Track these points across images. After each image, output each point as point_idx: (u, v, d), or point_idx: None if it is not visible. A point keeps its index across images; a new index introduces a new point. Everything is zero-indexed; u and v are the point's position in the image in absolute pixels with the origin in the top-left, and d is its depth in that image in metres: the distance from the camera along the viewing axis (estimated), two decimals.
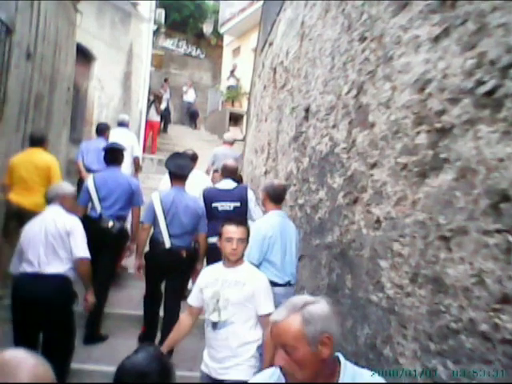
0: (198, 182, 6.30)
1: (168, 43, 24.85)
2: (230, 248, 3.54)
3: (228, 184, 5.71)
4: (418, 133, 2.87)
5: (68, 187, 4.63)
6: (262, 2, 12.81)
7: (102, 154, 6.02)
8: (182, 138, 17.52)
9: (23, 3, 6.54)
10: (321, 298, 2.04)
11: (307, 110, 5.43)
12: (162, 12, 20.43)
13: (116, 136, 7.86)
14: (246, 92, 16.29)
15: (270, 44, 8.37)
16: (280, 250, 4.50)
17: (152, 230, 5.14)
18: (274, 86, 7.57)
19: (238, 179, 6.24)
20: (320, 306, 1.95)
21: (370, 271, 3.45)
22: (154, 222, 5.02)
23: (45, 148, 6.18)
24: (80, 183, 7.54)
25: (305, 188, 5.27)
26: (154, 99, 15.25)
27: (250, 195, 5.66)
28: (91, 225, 5.18)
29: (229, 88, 19.30)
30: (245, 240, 3.61)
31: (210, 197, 5.55)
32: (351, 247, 3.83)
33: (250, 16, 17.69)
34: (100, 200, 5.52)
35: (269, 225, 4.50)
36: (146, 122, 14.72)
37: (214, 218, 5.33)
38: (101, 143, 7.25)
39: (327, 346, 1.88)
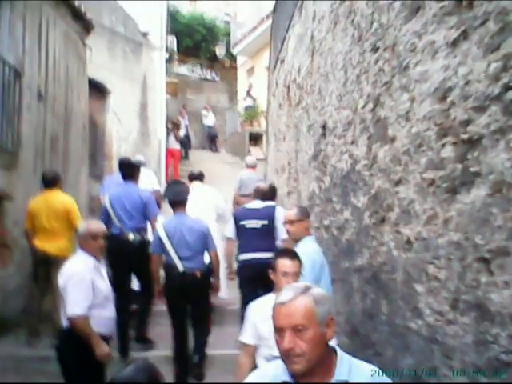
0: (207, 197, 6.76)
1: (182, 69, 24.96)
2: (285, 283, 3.20)
3: (257, 204, 5.81)
4: (444, 145, 2.65)
5: (82, 226, 4.21)
6: (271, 20, 12.73)
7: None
8: (203, 162, 17.42)
9: (30, 44, 6.53)
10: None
11: (324, 127, 5.24)
12: (173, 39, 20.51)
13: None
14: (264, 111, 16.17)
15: (282, 61, 8.22)
16: (327, 276, 4.19)
17: (165, 257, 5.19)
18: (289, 103, 7.41)
19: (272, 196, 6.18)
20: (321, 290, 1.94)
21: (405, 296, 3.20)
22: (164, 250, 5.10)
23: (60, 187, 5.87)
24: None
25: (329, 208, 5.05)
26: (172, 127, 15.23)
27: (279, 214, 5.54)
28: (115, 241, 5.42)
29: (246, 108, 19.20)
30: (299, 273, 3.36)
31: (238, 216, 5.73)
32: (383, 270, 3.59)
33: (261, 35, 17.63)
34: (117, 216, 5.65)
35: (313, 250, 4.09)
36: (167, 150, 14.68)
37: (242, 236, 5.58)
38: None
39: (331, 327, 1.85)
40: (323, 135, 5.27)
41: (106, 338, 3.75)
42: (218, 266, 5.35)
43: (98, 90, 12.01)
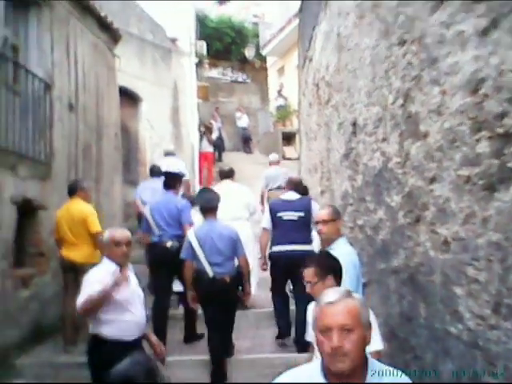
0: (238, 194, 6.84)
1: (213, 73, 25.05)
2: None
3: (292, 195, 5.90)
4: (478, 140, 2.51)
5: (106, 234, 4.06)
6: (298, 19, 12.62)
7: (156, 192, 6.94)
8: (236, 164, 17.36)
9: (59, 56, 6.61)
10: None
11: (354, 125, 5.11)
12: (203, 44, 20.61)
13: (165, 163, 8.42)
14: (296, 110, 16.06)
15: (310, 60, 8.11)
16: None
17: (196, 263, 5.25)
18: (319, 102, 7.29)
19: (303, 191, 6.36)
20: (357, 295, 1.99)
21: (444, 299, 3.06)
22: (195, 256, 5.18)
23: (81, 196, 5.86)
24: (140, 219, 7.82)
25: (362, 208, 4.92)
26: (205, 130, 15.26)
27: (314, 206, 5.69)
28: (155, 248, 5.88)
29: (278, 108, 19.12)
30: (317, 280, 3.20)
31: (275, 207, 5.80)
32: (420, 272, 3.45)
33: (289, 34, 17.51)
34: (156, 225, 5.90)
35: (351, 251, 3.94)
36: (200, 153, 14.74)
37: (279, 227, 5.65)
38: (155, 182, 7.80)
39: (370, 332, 1.91)
40: (354, 133, 5.15)
41: (126, 343, 3.69)
42: (248, 271, 5.39)
43: (129, 97, 12.15)
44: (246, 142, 20.67)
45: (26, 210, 5.77)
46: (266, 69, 22.50)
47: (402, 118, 3.61)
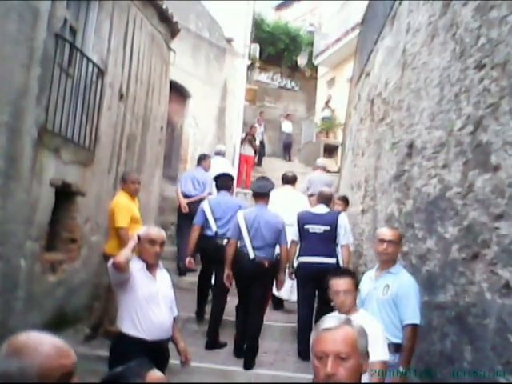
0: (294, 203, 7.00)
1: (263, 77, 24.98)
2: (339, 301, 3.39)
3: (321, 209, 6.01)
4: None
5: (143, 230, 3.97)
6: (357, 32, 12.40)
7: (197, 181, 7.98)
8: (275, 170, 17.24)
9: (116, 44, 6.55)
10: None
11: (411, 147, 4.87)
12: (256, 47, 20.53)
13: (214, 163, 8.78)
14: (341, 123, 15.80)
15: (367, 74, 7.88)
16: None
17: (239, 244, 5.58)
18: (372, 118, 7.05)
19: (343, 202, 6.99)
20: (360, 324, 1.96)
21: (497, 347, 2.81)
22: (240, 237, 5.50)
23: (124, 187, 5.86)
24: (179, 213, 8.23)
25: (409, 234, 4.67)
26: (246, 136, 15.16)
27: (342, 221, 5.85)
28: (207, 242, 6.13)
29: (323, 119, 18.89)
30: (352, 291, 3.38)
31: (303, 219, 5.92)
32: (471, 313, 3.20)
33: (344, 46, 17.30)
34: (215, 220, 6.17)
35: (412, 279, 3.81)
36: (241, 156, 14.63)
37: (305, 239, 5.82)
38: (198, 172, 8.27)
39: (367, 361, 1.88)
40: (409, 155, 4.91)
41: (145, 343, 3.55)
42: (287, 261, 5.66)
43: (178, 93, 12.11)
44: (286, 148, 20.55)
45: (64, 195, 5.70)
46: (315, 78, 22.30)
47: (470, 146, 3.37)
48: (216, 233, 6.10)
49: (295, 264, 5.91)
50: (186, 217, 7.84)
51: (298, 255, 5.87)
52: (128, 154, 7.22)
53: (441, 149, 3.95)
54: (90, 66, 5.95)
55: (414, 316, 3.54)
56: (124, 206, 5.73)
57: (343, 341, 1.82)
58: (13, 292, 4.79)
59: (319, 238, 5.71)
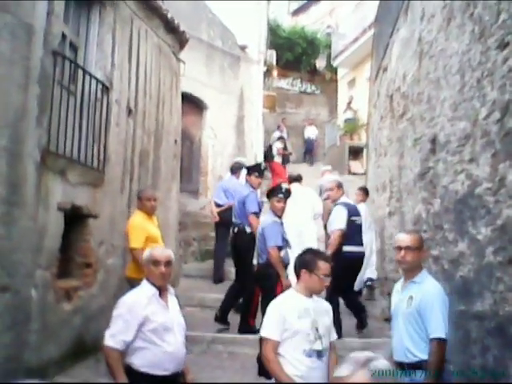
0: (305, 196, 7.49)
1: (282, 83, 24.74)
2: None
3: (350, 200, 6.62)
4: None
5: (146, 252, 3.76)
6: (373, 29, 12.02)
7: (228, 190, 8.47)
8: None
9: (120, 58, 6.34)
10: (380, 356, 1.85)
11: (434, 141, 4.51)
12: (273, 53, 20.30)
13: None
14: (365, 124, 15.43)
15: (384, 70, 7.52)
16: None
17: None
18: (392, 115, 6.69)
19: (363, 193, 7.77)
20: (383, 362, 1.82)
21: None
22: None
23: (139, 206, 5.83)
24: (215, 224, 8.80)
25: (439, 236, 4.30)
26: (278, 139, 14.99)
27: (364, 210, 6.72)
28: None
29: (346, 121, 18.52)
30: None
31: (351, 211, 6.25)
32: None
33: (363, 45, 16.93)
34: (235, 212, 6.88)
35: (439, 288, 3.43)
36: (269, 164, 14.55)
37: (350, 229, 6.11)
38: (230, 181, 8.91)
39: None
40: (432, 151, 4.54)
41: (157, 379, 3.29)
42: (277, 262, 5.73)
43: (194, 104, 11.94)
44: (308, 153, 20.36)
45: (75, 218, 5.49)
46: (336, 81, 21.98)
47: (498, 135, 3.01)
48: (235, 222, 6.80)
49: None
50: (219, 225, 8.52)
51: (344, 245, 6.08)
52: (141, 170, 6.99)
53: (466, 141, 3.59)
54: (94, 82, 5.75)
55: (438, 329, 3.18)
56: (137, 226, 5.55)
57: None
58: (25, 324, 4.56)
59: (359, 228, 6.23)
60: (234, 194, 8.09)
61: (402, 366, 3.28)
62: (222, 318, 6.55)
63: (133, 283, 5.01)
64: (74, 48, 5.78)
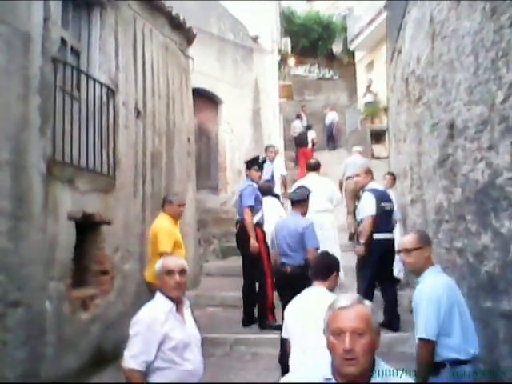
0: (322, 186, 7.26)
1: (300, 70, 24.40)
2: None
3: (380, 186, 6.51)
4: None
5: (159, 262, 3.51)
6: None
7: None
8: (323, 165, 16.64)
9: (125, 59, 6.21)
10: None
11: (451, 127, 4.26)
12: (287, 40, 19.97)
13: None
14: (385, 106, 15.08)
15: (399, 52, 7.23)
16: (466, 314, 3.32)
17: None
18: (408, 99, 6.42)
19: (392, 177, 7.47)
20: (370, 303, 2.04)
21: None
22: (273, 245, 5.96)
23: (168, 210, 5.65)
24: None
25: (461, 228, 4.06)
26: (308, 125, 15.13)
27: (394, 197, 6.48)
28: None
29: (366, 105, 18.13)
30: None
31: (379, 196, 6.12)
32: None
33: (379, 26, 16.46)
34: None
35: (437, 284, 3.25)
36: (299, 151, 15.27)
37: (380, 216, 5.99)
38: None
39: (379, 338, 1.98)
40: (451, 136, 4.30)
41: None
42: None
43: (209, 100, 11.78)
44: (331, 138, 20.19)
45: (87, 226, 5.40)
46: (354, 64, 21.53)
47: None
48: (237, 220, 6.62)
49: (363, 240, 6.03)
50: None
51: (374, 232, 5.96)
52: (154, 172, 6.87)
53: (484, 127, 3.35)
54: (98, 86, 5.63)
55: (419, 329, 3.12)
56: (168, 230, 5.42)
57: (359, 318, 1.93)
58: (40, 338, 4.49)
59: (389, 214, 6.13)
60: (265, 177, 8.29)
61: None
62: (248, 320, 6.50)
63: (153, 288, 4.91)
64: (75, 53, 5.67)
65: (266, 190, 7.13)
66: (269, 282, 6.34)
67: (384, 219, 5.98)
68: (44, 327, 4.52)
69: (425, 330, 3.07)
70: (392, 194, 6.72)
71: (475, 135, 3.55)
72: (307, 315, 3.44)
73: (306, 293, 3.75)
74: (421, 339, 3.08)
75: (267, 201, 6.95)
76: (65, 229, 4.91)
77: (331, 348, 1.94)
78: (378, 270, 5.95)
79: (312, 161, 8.01)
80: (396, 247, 6.06)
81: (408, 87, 6.35)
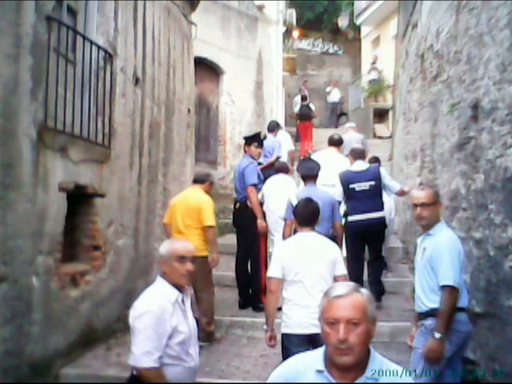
0: (338, 165, 6.86)
1: (303, 44, 23.87)
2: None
3: (361, 165, 6.18)
4: None
5: (165, 245, 3.21)
6: None
7: (266, 148, 7.91)
8: (324, 143, 16.27)
9: (124, 22, 5.82)
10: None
11: (475, 108, 3.95)
12: (292, 12, 19.42)
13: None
14: (390, 84, 14.68)
15: (414, 26, 6.86)
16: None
17: None
18: (423, 77, 6.08)
19: (371, 160, 7.02)
20: (367, 290, 2.01)
21: None
22: None
23: (205, 188, 5.61)
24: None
25: (482, 217, 3.78)
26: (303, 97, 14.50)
27: (383, 173, 6.08)
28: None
29: (370, 82, 17.73)
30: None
31: (346, 179, 6.01)
32: None
33: (387, 1, 16.00)
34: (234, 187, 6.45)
35: (454, 239, 3.45)
36: (298, 124, 14.37)
37: (352, 198, 5.95)
38: (267, 140, 8.09)
39: (374, 327, 1.94)
40: (474, 118, 3.99)
41: None
42: (341, 236, 5.82)
43: (210, 70, 11.40)
44: (334, 115, 19.73)
45: (80, 198, 5.10)
46: (359, 40, 21.03)
47: None
48: (235, 198, 6.31)
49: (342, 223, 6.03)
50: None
51: (348, 215, 6.01)
52: (152, 143, 6.54)
53: None
54: (95, 49, 5.26)
55: (446, 277, 3.22)
56: (211, 205, 5.47)
57: (354, 307, 1.88)
58: (26, 315, 4.23)
59: (366, 194, 5.87)
60: (271, 151, 8.33)
61: (419, 317, 3.42)
62: (245, 302, 6.28)
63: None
64: (72, 13, 5.26)
65: (281, 169, 7.00)
66: (263, 262, 6.25)
67: (359, 200, 5.87)
68: (30, 304, 4.26)
69: (452, 277, 3.18)
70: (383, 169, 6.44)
71: (506, 118, 3.25)
72: (309, 256, 3.75)
73: (300, 237, 3.97)
74: (448, 286, 3.18)
75: (281, 178, 6.74)
76: (55, 200, 4.60)
77: (325, 337, 1.90)
78: (360, 251, 6.08)
79: (335, 136, 7.68)
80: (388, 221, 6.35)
81: (424, 64, 6.00)
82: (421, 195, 3.45)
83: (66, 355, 4.75)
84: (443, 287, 3.21)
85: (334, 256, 3.81)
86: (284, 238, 5.63)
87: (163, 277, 3.02)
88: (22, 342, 4.18)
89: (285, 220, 5.71)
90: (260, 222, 6.11)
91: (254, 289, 6.24)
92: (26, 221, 4.20)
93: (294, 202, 5.36)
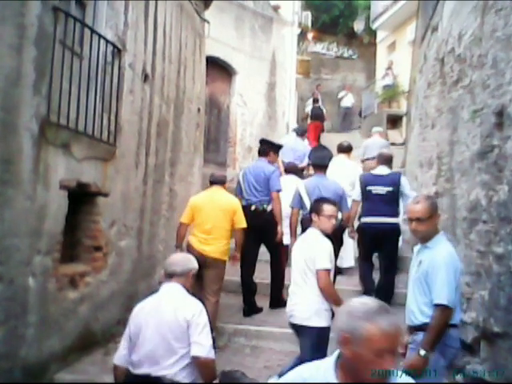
0: (347, 171, 7.10)
1: (317, 47, 23.69)
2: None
3: (383, 170, 6.24)
4: None
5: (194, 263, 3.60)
6: None
7: (296, 152, 8.71)
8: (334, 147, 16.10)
9: (135, 16, 5.65)
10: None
11: (501, 114, 3.72)
12: (308, 14, 19.25)
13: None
14: (405, 90, 14.44)
15: (434, 30, 6.62)
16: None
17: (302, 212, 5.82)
18: (443, 81, 5.85)
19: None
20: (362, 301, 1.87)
21: None
22: (302, 205, 5.73)
23: (225, 189, 5.73)
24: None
25: (504, 231, 3.55)
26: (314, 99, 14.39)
27: (404, 181, 6.13)
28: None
29: (384, 87, 17.51)
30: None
31: (365, 181, 6.15)
32: None
33: (405, 6, 15.80)
34: (245, 189, 6.23)
35: (452, 252, 3.38)
36: (309, 124, 14.18)
37: (368, 200, 6.06)
38: (297, 143, 8.98)
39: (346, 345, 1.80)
40: (498, 125, 3.76)
41: None
42: (352, 225, 6.09)
43: (223, 70, 11.24)
44: (345, 120, 19.57)
45: (82, 197, 4.93)
46: (374, 44, 20.80)
47: None
48: (247, 201, 6.13)
49: (356, 224, 6.24)
50: None
51: (361, 216, 6.16)
52: (159, 142, 6.36)
53: None
54: (104, 43, 5.08)
55: (440, 295, 3.15)
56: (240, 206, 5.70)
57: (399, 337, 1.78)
58: (21, 317, 4.06)
59: (382, 198, 5.94)
60: (302, 157, 8.55)
61: (410, 330, 3.36)
62: (249, 310, 6.15)
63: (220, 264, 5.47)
64: (81, 5, 5.11)
65: (292, 169, 7.37)
66: (284, 260, 6.34)
67: (373, 203, 5.94)
68: (26, 305, 4.09)
69: (446, 297, 3.12)
70: (404, 178, 6.46)
71: None
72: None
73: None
74: (441, 305, 3.12)
75: (291, 179, 7.00)
76: (56, 198, 4.43)
77: (360, 361, 1.75)
78: (369, 252, 6.20)
79: (344, 143, 7.77)
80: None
81: (443, 68, 5.77)
82: (415, 209, 3.36)
83: (62, 359, 4.57)
84: (436, 305, 3.16)
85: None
86: (291, 226, 5.85)
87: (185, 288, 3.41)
88: (15, 345, 4.02)
89: (292, 208, 5.85)
90: (279, 229, 6.08)
91: (277, 284, 6.25)
92: (24, 219, 4.03)
93: (303, 191, 5.71)
